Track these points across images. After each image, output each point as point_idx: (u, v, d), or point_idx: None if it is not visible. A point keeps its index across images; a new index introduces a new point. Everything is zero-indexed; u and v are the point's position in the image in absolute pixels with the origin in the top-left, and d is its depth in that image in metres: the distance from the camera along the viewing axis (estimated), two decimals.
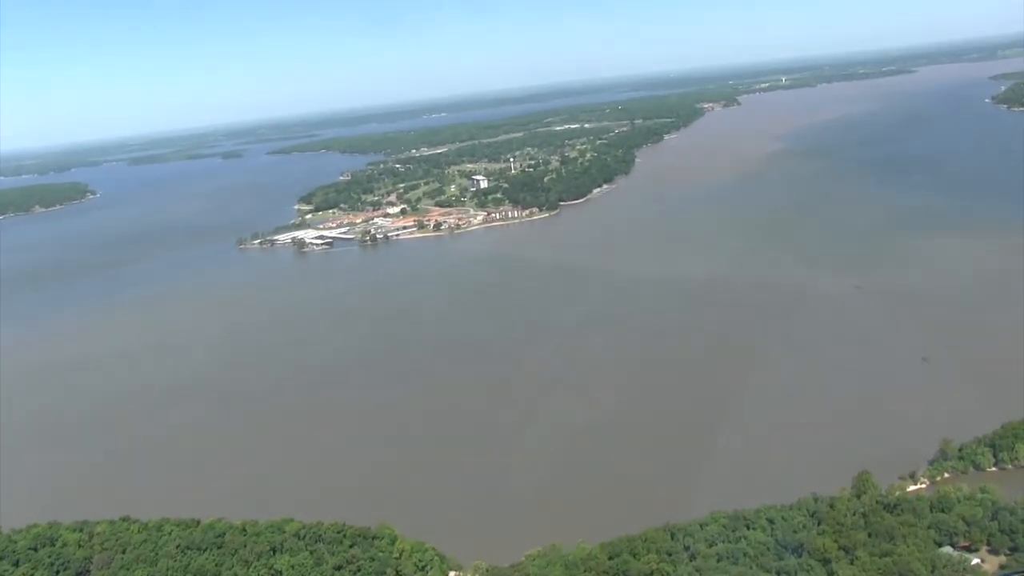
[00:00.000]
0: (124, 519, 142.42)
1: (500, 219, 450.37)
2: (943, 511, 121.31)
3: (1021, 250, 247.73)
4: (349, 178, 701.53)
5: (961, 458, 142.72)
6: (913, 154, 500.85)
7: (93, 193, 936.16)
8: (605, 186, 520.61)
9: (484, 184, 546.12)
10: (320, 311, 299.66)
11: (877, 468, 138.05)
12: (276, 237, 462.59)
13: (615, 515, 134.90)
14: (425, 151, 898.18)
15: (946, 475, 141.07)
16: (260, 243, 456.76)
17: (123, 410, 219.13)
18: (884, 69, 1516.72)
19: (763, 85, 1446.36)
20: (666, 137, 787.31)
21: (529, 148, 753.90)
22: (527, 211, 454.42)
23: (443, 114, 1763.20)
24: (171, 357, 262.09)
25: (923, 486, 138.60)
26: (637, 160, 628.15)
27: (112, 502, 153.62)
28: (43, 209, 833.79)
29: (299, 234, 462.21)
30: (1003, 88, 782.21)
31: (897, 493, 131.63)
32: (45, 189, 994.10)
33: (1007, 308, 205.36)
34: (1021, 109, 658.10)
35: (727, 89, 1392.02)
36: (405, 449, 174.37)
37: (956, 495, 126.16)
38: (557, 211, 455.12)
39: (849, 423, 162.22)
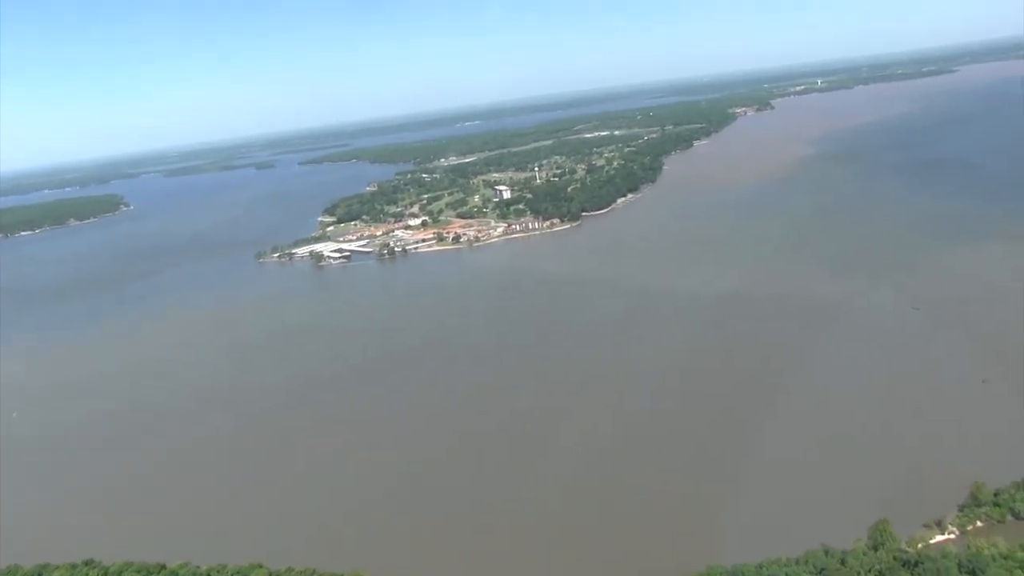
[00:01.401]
0: (87, 563, 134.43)
1: (520, 231, 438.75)
2: (973, 572, 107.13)
3: None
4: (375, 189, 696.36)
5: (997, 504, 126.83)
6: (952, 157, 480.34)
7: (127, 205, 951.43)
8: (630, 195, 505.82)
9: (507, 195, 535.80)
10: (313, 332, 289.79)
11: (901, 512, 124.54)
12: (295, 250, 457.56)
13: (607, 569, 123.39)
14: (454, 160, 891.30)
15: (978, 523, 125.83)
16: (279, 256, 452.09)
17: (93, 440, 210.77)
18: (924, 69, 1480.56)
19: (798, 88, 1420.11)
20: (696, 143, 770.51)
21: (557, 156, 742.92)
22: (548, 222, 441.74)
23: (477, 122, 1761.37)
24: (148, 383, 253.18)
25: (951, 536, 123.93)
26: (665, 168, 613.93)
27: (79, 542, 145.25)
28: (77, 222, 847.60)
29: (318, 247, 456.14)
30: None
31: (920, 545, 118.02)
32: (81, 202, 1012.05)
33: None
34: None
35: (761, 93, 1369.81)
36: (386, 485, 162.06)
37: (990, 552, 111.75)
38: (579, 222, 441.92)
39: (875, 459, 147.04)
